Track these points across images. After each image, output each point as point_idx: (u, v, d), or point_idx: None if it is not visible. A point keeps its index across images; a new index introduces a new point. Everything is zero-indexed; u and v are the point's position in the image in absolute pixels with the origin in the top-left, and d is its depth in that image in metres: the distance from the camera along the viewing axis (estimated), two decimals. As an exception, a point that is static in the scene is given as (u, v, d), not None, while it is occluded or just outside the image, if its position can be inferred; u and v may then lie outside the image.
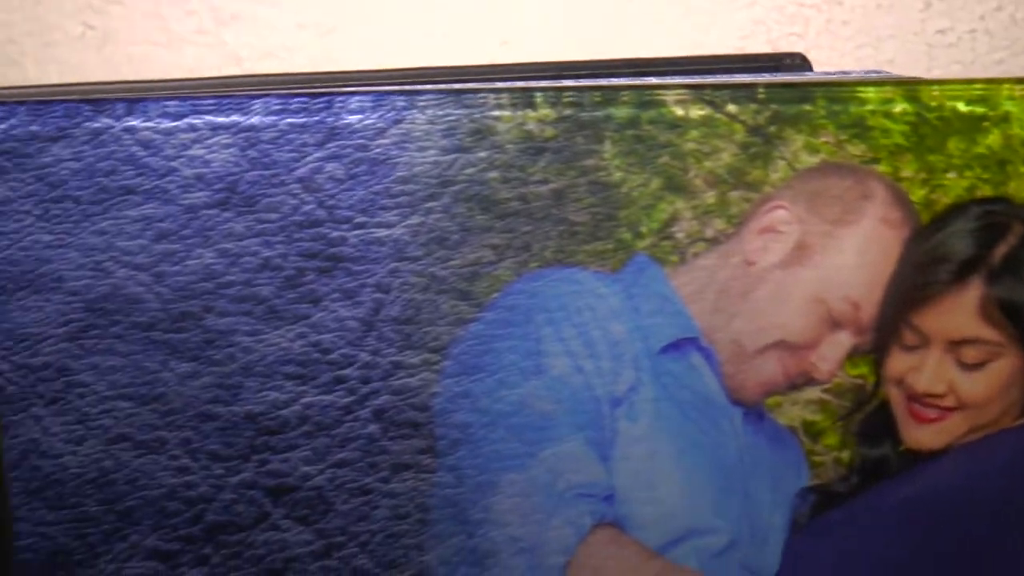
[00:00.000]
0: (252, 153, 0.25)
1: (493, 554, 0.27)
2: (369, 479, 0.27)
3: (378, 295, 0.26)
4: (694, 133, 0.25)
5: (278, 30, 0.54)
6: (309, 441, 0.27)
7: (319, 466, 0.27)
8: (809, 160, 0.25)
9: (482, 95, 0.24)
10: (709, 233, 0.25)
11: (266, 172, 0.25)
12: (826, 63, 0.59)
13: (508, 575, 0.27)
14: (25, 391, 0.27)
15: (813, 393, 0.26)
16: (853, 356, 0.26)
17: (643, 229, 0.25)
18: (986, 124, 0.24)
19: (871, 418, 0.26)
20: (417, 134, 0.25)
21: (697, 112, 0.24)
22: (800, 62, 0.34)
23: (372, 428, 0.27)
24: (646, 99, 0.24)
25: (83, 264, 0.26)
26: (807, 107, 0.24)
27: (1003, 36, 0.59)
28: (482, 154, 0.25)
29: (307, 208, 0.25)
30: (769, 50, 0.59)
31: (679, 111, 0.24)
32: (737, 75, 0.30)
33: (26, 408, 0.27)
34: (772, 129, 0.25)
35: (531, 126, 0.25)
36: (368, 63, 0.55)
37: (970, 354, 0.25)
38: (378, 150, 0.25)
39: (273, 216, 0.26)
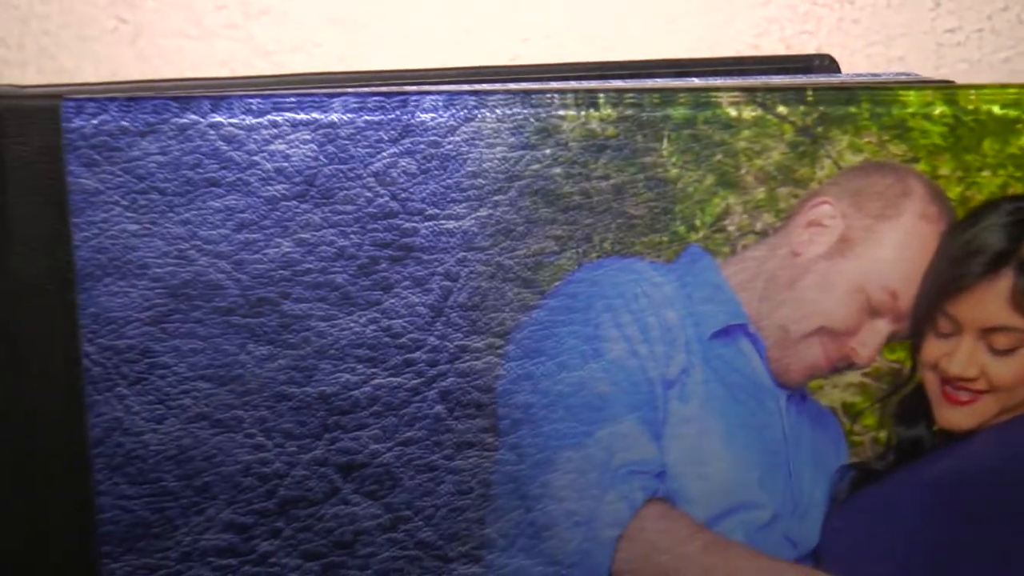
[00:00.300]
0: (330, 148, 0.27)
1: (550, 527, 0.29)
2: (434, 456, 0.29)
3: (447, 283, 0.27)
4: (746, 132, 0.26)
5: (307, 25, 0.56)
6: (378, 421, 0.28)
7: (387, 444, 0.28)
8: (853, 159, 0.26)
9: (548, 95, 0.26)
10: (758, 226, 0.27)
11: (343, 166, 0.27)
12: (838, 60, 0.61)
13: (564, 547, 0.29)
14: (110, 372, 0.28)
15: (853, 377, 0.28)
16: (891, 342, 0.27)
17: (697, 222, 0.26)
18: (1019, 126, 0.26)
19: (907, 400, 0.27)
20: (486, 132, 0.26)
21: (749, 113, 0.26)
22: (829, 63, 0.35)
23: (438, 408, 0.28)
24: (702, 100, 0.26)
25: (167, 252, 0.28)
26: (852, 109, 0.26)
27: (1009, 35, 0.60)
28: (547, 151, 0.26)
29: (381, 200, 0.27)
30: (783, 48, 0.60)
31: (733, 112, 0.26)
32: (775, 76, 0.32)
33: (110, 388, 0.28)
34: (819, 129, 0.26)
35: (594, 125, 0.26)
36: (396, 59, 0.56)
37: (1001, 341, 0.26)
38: (449, 146, 0.27)
39: (349, 208, 0.27)
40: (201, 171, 0.27)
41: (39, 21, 0.56)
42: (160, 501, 0.29)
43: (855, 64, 0.62)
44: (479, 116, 0.26)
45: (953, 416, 0.27)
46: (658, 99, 0.26)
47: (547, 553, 0.29)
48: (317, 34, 0.56)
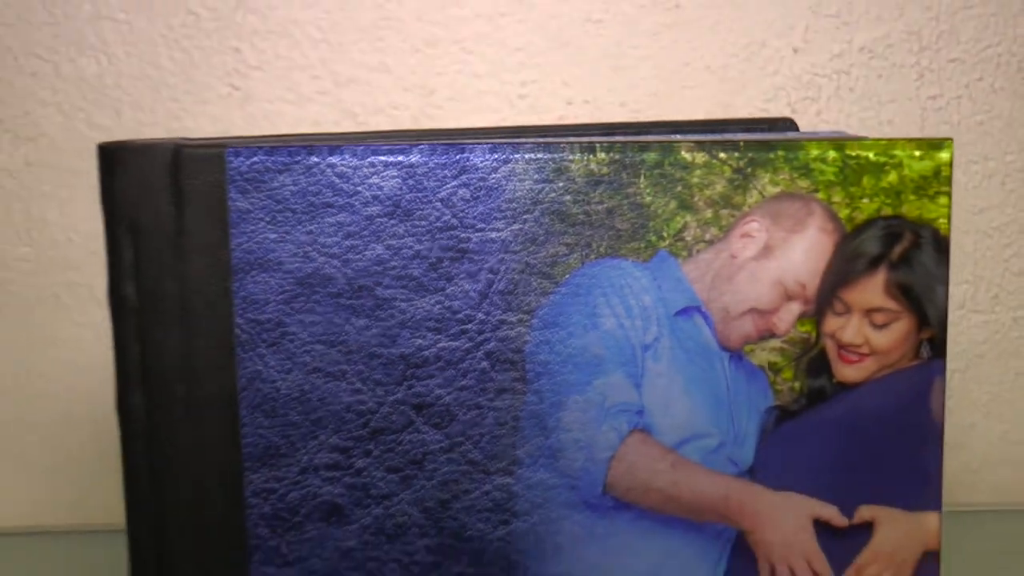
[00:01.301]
0: (410, 181, 0.37)
1: (562, 450, 0.37)
2: (480, 399, 0.37)
3: (490, 275, 0.37)
4: (698, 171, 0.36)
5: (386, 92, 0.66)
6: (441, 373, 0.37)
7: (447, 390, 0.37)
8: (773, 190, 0.36)
9: (561, 145, 0.36)
10: (707, 237, 0.36)
11: (419, 194, 0.37)
12: (834, 122, 0.69)
13: (572, 465, 0.38)
14: (253, 338, 0.38)
15: (775, 343, 0.36)
16: (802, 319, 0.36)
17: (664, 234, 0.36)
18: (887, 167, 0.36)
19: (814, 360, 0.36)
20: (519, 171, 0.36)
21: (700, 158, 0.36)
22: (789, 124, 0.45)
23: (484, 364, 0.38)
24: (667, 149, 0.36)
25: (295, 253, 0.38)
26: (771, 155, 0.36)
27: (983, 102, 0.69)
28: (560, 184, 0.37)
29: (445, 218, 0.37)
30: (788, 111, 0.69)
31: (688, 157, 0.36)
32: (738, 133, 0.42)
33: (253, 349, 0.38)
34: (748, 169, 0.36)
35: (592, 166, 0.36)
36: (459, 119, 0.66)
37: (879, 318, 0.36)
38: (493, 180, 0.37)
39: (423, 223, 0.37)
40: (320, 197, 0.37)
41: (167, 89, 0.67)
42: (286, 430, 0.38)
43: (851, 126, 0.71)
44: (513, 159, 0.36)
45: (846, 372, 0.36)
46: (637, 148, 0.36)
47: (560, 470, 0.37)
48: (395, 99, 0.66)
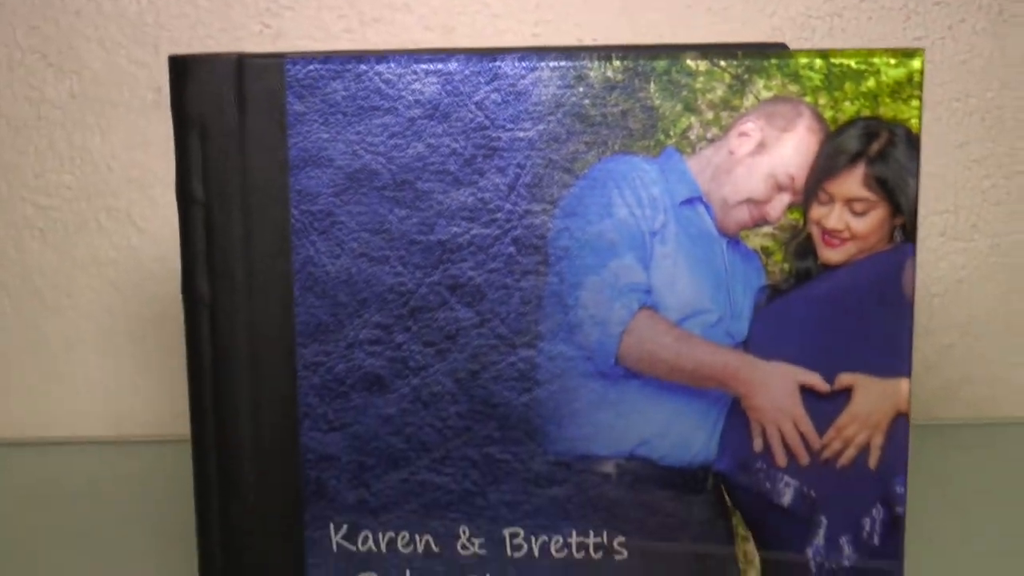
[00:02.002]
0: (448, 87, 0.42)
1: (579, 326, 0.41)
2: (508, 279, 0.41)
3: (518, 170, 0.41)
4: (701, 78, 0.41)
5: (409, 30, 0.71)
6: (473, 256, 0.41)
7: (480, 271, 0.41)
8: (767, 94, 0.41)
9: (582, 55, 0.41)
10: (709, 136, 0.41)
11: (455, 98, 0.42)
12: None
13: (587, 340, 0.42)
14: (306, 227, 0.43)
15: (768, 230, 0.40)
16: (791, 208, 0.40)
17: (671, 133, 0.41)
18: (867, 74, 0.41)
19: (801, 244, 0.40)
20: (544, 77, 0.41)
21: (704, 66, 0.41)
22: (783, 47, 0.49)
23: (511, 249, 0.42)
24: (674, 58, 0.41)
25: (345, 151, 0.42)
26: (765, 63, 0.41)
27: (965, 43, 0.74)
28: (580, 89, 0.41)
29: (479, 119, 0.42)
30: None
31: (693, 65, 0.41)
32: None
33: (307, 236, 0.42)
34: (745, 76, 0.41)
35: (609, 73, 0.41)
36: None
37: (858, 207, 0.41)
38: (521, 86, 0.41)
39: (459, 124, 0.42)
40: (368, 101, 0.42)
41: (203, 27, 0.72)
42: (335, 309, 0.42)
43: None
44: (539, 67, 0.41)
45: (829, 255, 0.40)
46: (648, 57, 0.41)
47: (577, 343, 0.41)
48: (417, 37, 0.71)
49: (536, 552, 0.44)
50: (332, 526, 0.44)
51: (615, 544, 0.43)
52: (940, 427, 0.75)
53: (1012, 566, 0.55)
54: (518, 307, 0.42)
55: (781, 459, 0.42)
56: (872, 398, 0.41)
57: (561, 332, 0.42)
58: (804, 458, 0.42)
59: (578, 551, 0.44)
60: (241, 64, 0.41)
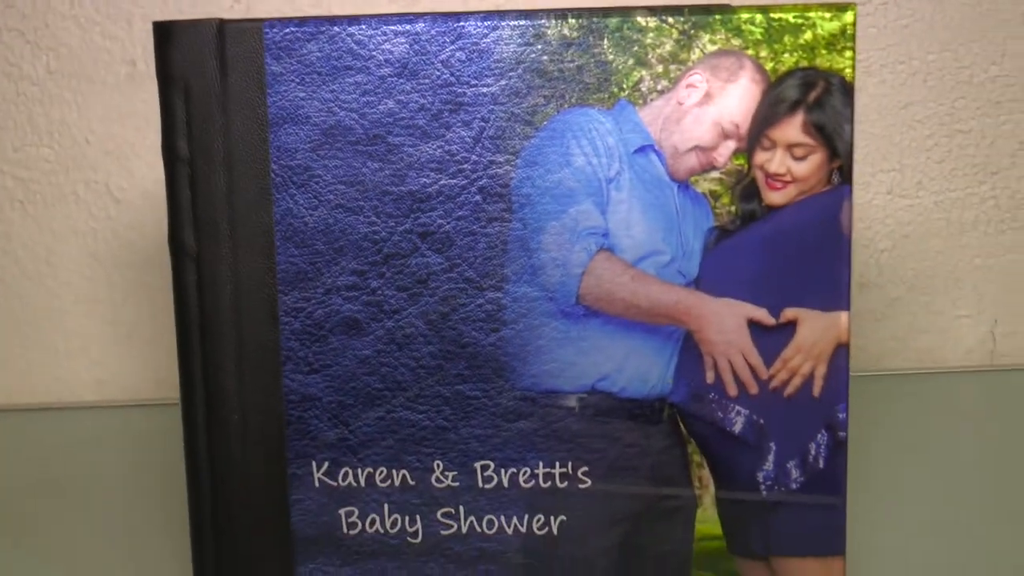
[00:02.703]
0: (416, 47, 0.44)
1: (542, 268, 0.44)
2: (475, 226, 0.44)
3: (482, 124, 0.43)
4: (651, 34, 0.44)
5: (375, 5, 0.73)
6: (442, 205, 0.44)
7: (448, 219, 0.44)
8: (711, 48, 0.44)
9: (540, 14, 0.44)
10: (659, 88, 0.44)
11: (423, 57, 0.45)
12: None
13: (550, 281, 0.44)
14: (286, 180, 0.45)
15: (715, 175, 0.43)
16: (736, 154, 0.43)
17: (624, 86, 0.44)
18: (804, 27, 0.44)
19: (746, 188, 0.43)
20: (505, 36, 0.44)
21: (652, 23, 0.44)
22: (726, 7, 0.52)
23: (477, 198, 0.45)
24: (625, 15, 0.44)
25: (320, 108, 0.45)
26: (710, 19, 0.44)
27: (907, 7, 0.77)
28: (539, 46, 0.44)
29: (445, 76, 0.45)
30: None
31: (643, 22, 0.44)
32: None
33: (286, 189, 0.45)
34: (692, 32, 0.44)
35: (565, 31, 0.44)
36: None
37: (798, 151, 0.44)
38: (484, 44, 0.44)
39: (426, 81, 0.45)
40: (341, 61, 0.44)
41: (176, 3, 0.74)
42: (313, 257, 0.44)
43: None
44: (500, 26, 0.44)
45: (773, 197, 0.43)
46: (601, 15, 0.44)
47: (540, 284, 0.44)
48: (380, 7, 0.73)
49: (506, 483, 0.47)
50: (314, 463, 0.47)
51: (579, 474, 0.47)
52: (889, 377, 0.79)
53: (954, 507, 0.59)
54: (484, 252, 0.45)
55: (732, 390, 0.45)
56: (815, 330, 0.44)
57: (525, 275, 0.45)
58: (753, 388, 0.45)
59: (545, 481, 0.47)
60: (222, 28, 0.44)
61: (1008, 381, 0.78)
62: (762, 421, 0.46)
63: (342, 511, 0.47)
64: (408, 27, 0.43)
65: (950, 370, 0.80)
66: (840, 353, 0.45)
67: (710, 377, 0.45)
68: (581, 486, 0.47)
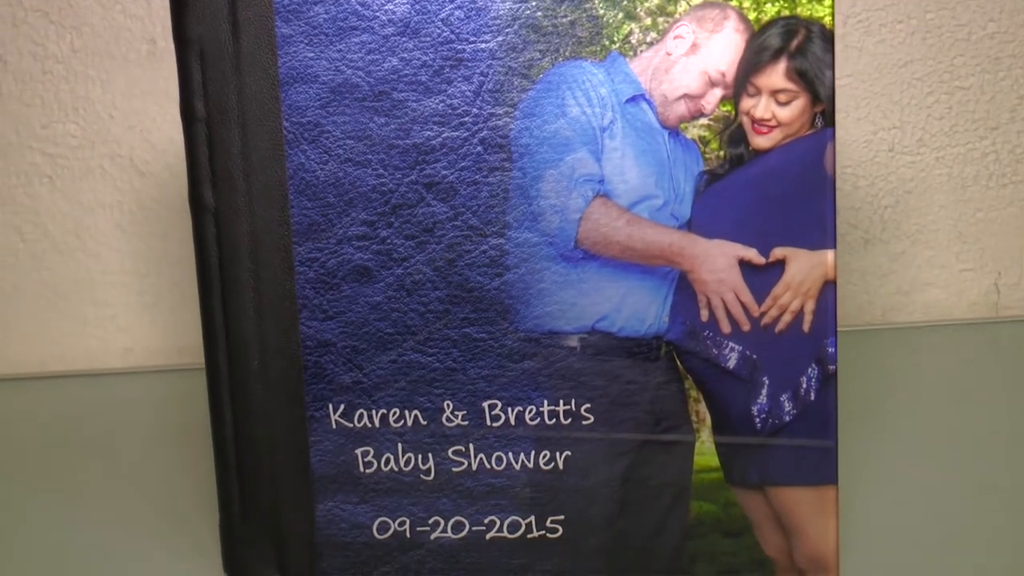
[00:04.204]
0: (417, 6, 0.47)
1: (542, 214, 0.46)
2: (478, 176, 0.46)
3: (482, 77, 0.47)
4: None
5: None
6: (446, 157, 0.46)
7: (451, 170, 0.46)
8: (697, 1, 0.47)
9: None
10: (648, 40, 0.46)
11: (424, 16, 0.47)
12: None
13: (549, 226, 0.47)
14: (297, 137, 0.48)
15: (703, 121, 0.46)
16: (723, 101, 0.45)
17: (615, 39, 0.46)
18: None
19: (734, 133, 0.45)
20: None
21: None
22: None
23: (479, 148, 0.48)
24: None
25: (328, 67, 0.47)
26: None
27: None
28: (533, 3, 0.46)
29: (445, 34, 0.47)
30: None
31: None
32: None
33: (298, 145, 0.47)
34: None
35: None
36: None
37: (782, 97, 0.46)
38: (481, 3, 0.47)
39: (428, 39, 0.47)
40: (347, 22, 0.47)
41: None
42: (325, 210, 0.47)
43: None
44: None
45: (759, 141, 0.46)
46: None
47: (540, 230, 0.46)
48: None
49: (512, 421, 0.49)
50: (331, 406, 0.50)
51: (582, 411, 0.49)
52: (895, 331, 0.81)
53: (959, 456, 0.61)
54: (487, 200, 0.47)
55: (725, 327, 0.48)
56: (803, 268, 0.46)
57: (526, 221, 0.47)
58: (746, 325, 0.48)
59: (550, 418, 0.49)
60: None
61: (1012, 332, 0.80)
62: (755, 357, 0.48)
63: (358, 451, 0.50)
64: None
65: (955, 322, 0.81)
66: (828, 289, 0.47)
67: (704, 315, 0.48)
68: (584, 423, 0.49)
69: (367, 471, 0.50)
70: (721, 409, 0.48)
